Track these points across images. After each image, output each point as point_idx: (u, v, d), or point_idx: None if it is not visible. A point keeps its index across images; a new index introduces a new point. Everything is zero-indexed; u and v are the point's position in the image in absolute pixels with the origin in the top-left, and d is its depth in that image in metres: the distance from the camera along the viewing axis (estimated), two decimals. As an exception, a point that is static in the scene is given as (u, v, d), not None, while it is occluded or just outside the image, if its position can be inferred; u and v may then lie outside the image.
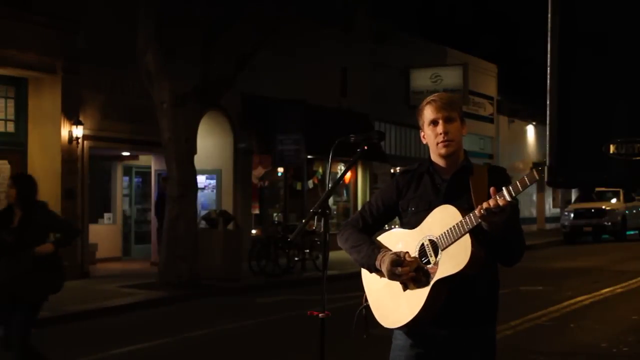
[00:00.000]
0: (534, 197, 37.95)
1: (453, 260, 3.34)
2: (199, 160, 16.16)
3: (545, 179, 2.50)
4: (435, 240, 3.41)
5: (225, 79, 15.73)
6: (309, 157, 21.44)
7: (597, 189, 28.57)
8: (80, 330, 11.23)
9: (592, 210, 28.80)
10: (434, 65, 27.80)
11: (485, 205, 3.21)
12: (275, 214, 21.80)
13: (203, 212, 17.99)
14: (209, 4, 15.70)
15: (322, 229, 3.28)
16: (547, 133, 2.46)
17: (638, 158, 2.32)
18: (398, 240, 3.57)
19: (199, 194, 17.16)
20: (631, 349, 9.08)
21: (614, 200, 29.56)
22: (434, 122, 3.55)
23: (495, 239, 3.35)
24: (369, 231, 3.69)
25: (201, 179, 19.10)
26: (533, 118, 35.90)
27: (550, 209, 39.80)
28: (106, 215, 20.44)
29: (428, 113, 3.57)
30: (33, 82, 16.02)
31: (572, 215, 29.05)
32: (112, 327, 11.54)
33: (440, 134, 3.52)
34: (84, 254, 16.53)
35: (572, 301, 12.90)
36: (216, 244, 15.98)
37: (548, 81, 2.45)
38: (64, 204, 15.85)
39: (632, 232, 29.52)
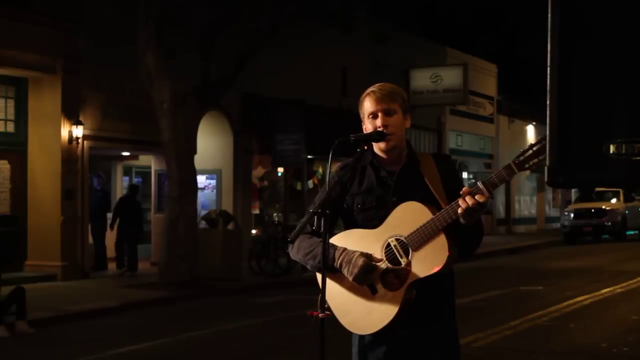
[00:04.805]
0: (534, 197, 37.93)
1: (428, 261, 3.18)
2: (199, 160, 16.16)
3: (546, 179, 2.49)
4: (405, 240, 3.22)
5: (225, 79, 15.74)
6: (309, 157, 21.43)
7: (597, 189, 28.56)
8: (80, 330, 11.23)
9: (592, 210, 28.78)
10: (434, 65, 27.77)
11: (464, 205, 3.09)
12: (275, 214, 21.80)
13: (203, 212, 17.99)
14: (209, 4, 15.71)
15: (322, 229, 3.22)
16: (547, 133, 2.46)
17: (638, 158, 2.32)
18: (357, 240, 3.33)
19: (199, 194, 17.17)
20: (631, 349, 9.07)
21: (614, 200, 29.55)
22: (374, 115, 3.38)
23: (467, 231, 3.20)
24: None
25: (201, 179, 19.09)
26: (533, 118, 35.88)
27: (550, 209, 39.77)
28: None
29: (367, 105, 3.41)
30: (33, 82, 16.01)
31: (572, 215, 29.03)
32: (112, 327, 11.53)
33: (379, 127, 3.35)
34: (84, 254, 16.53)
35: (572, 301, 12.89)
36: (216, 244, 15.98)
37: (548, 81, 2.45)
38: (64, 204, 15.86)
39: (632, 232, 29.52)
